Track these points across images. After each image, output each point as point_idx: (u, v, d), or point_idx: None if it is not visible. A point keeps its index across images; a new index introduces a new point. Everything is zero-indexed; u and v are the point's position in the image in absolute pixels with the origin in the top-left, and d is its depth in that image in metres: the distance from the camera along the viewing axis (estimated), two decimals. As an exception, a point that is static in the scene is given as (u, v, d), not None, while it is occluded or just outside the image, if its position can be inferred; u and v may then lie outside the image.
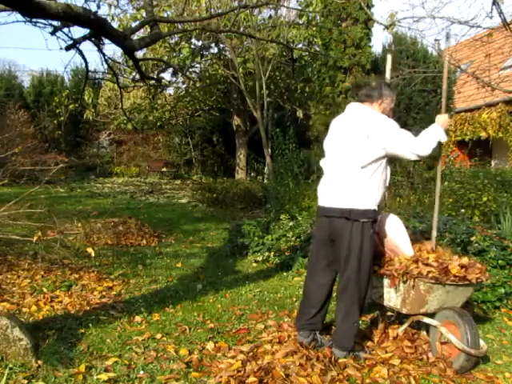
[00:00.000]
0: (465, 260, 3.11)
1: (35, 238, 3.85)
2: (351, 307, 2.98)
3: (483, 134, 13.11)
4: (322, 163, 3.24)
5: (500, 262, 4.20)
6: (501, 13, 4.34)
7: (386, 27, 4.97)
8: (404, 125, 11.56)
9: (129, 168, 19.80)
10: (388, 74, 3.60)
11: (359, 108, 3.16)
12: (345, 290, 3.00)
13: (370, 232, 2.97)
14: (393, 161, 3.13)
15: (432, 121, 3.11)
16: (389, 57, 3.74)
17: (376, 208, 3.01)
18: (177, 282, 4.78)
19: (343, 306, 3.01)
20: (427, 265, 3.01)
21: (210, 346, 3.15)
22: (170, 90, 19.07)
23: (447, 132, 3.20)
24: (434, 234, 3.31)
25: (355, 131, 3.03)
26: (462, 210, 6.06)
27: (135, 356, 2.99)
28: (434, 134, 3.05)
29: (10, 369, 2.61)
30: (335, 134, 3.16)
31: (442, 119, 3.16)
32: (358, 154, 2.98)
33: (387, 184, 3.13)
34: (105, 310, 3.79)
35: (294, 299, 4.28)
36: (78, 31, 23.39)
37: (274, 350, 3.02)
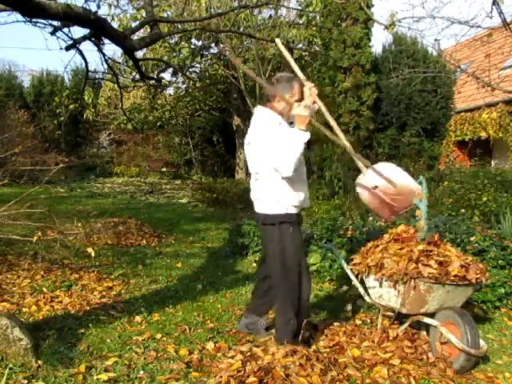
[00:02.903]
0: (469, 258, 3.12)
1: (35, 238, 3.85)
2: (284, 305, 3.02)
3: (483, 134, 13.10)
4: None
5: (500, 261, 4.20)
6: (501, 13, 4.34)
7: (386, 27, 4.97)
8: (404, 125, 11.52)
9: (129, 168, 19.78)
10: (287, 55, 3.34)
11: (255, 113, 3.08)
12: (277, 289, 3.05)
13: (290, 230, 2.94)
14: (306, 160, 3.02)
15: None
16: (277, 41, 3.41)
17: (292, 211, 2.94)
18: (177, 282, 4.78)
19: (277, 305, 3.09)
20: (427, 265, 3.01)
21: (210, 345, 3.15)
22: (170, 90, 19.08)
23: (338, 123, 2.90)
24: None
25: (246, 138, 3.06)
26: (462, 210, 6.06)
27: (135, 356, 2.99)
28: (294, 145, 2.72)
29: (10, 369, 2.61)
30: None
31: (298, 114, 2.71)
32: (250, 161, 3.02)
33: (303, 183, 3.01)
34: (105, 310, 3.79)
35: (294, 299, 4.28)
36: (78, 31, 23.39)
37: (274, 350, 3.02)
